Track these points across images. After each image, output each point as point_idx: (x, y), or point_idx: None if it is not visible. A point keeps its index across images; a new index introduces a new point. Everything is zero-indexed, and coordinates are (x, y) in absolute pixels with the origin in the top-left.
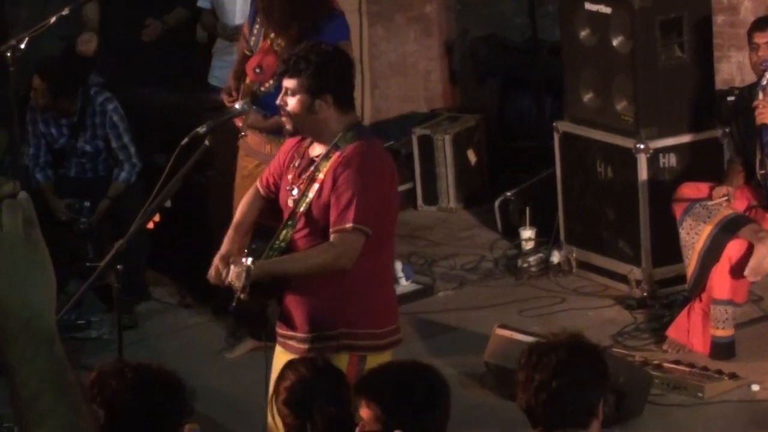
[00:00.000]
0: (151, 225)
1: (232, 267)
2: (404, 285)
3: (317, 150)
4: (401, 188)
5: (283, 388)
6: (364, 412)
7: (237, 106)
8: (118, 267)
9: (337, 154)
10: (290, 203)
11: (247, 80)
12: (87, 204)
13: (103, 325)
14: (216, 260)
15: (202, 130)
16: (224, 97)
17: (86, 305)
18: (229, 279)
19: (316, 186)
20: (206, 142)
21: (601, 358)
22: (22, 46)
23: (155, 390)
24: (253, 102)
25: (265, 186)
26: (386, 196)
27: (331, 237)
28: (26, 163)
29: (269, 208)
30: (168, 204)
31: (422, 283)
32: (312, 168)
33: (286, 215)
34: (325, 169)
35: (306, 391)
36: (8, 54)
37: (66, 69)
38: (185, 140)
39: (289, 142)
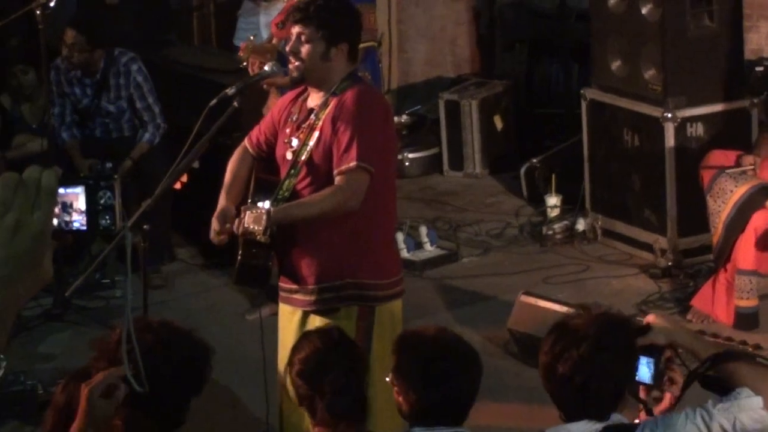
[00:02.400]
0: (178, 185)
1: (247, 213)
2: (429, 250)
3: (314, 101)
4: (427, 153)
5: (298, 359)
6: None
7: (266, 67)
8: (145, 227)
9: (335, 100)
10: (289, 155)
11: (274, 40)
12: (109, 165)
13: (128, 284)
14: (213, 219)
15: (230, 91)
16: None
17: (109, 265)
18: (246, 224)
19: (316, 134)
20: (235, 104)
21: (628, 341)
22: (52, 3)
23: (180, 347)
24: (278, 59)
25: (254, 144)
26: (385, 136)
27: (337, 179)
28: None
29: (260, 166)
30: (196, 165)
31: (447, 249)
32: (311, 117)
33: (284, 169)
34: (323, 116)
35: (320, 364)
36: (38, 11)
37: (101, 20)
38: (214, 101)
39: (283, 100)
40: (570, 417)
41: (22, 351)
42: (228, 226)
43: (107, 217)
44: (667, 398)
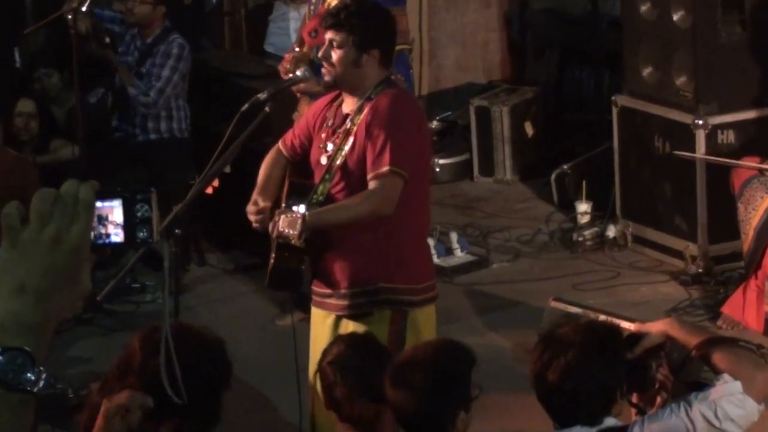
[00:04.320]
0: (210, 190)
1: (282, 217)
2: (459, 256)
3: (349, 106)
4: (458, 159)
5: (330, 354)
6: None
7: (298, 73)
8: (176, 231)
9: (369, 105)
10: (323, 160)
11: (305, 47)
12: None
13: (157, 289)
14: (249, 207)
15: (262, 96)
16: (280, 69)
17: (138, 269)
18: (281, 227)
19: (351, 139)
20: (266, 109)
21: (616, 347)
22: (84, 8)
23: (198, 351)
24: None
25: (289, 147)
26: (419, 141)
27: (370, 184)
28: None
29: (293, 169)
30: (227, 170)
31: (477, 255)
32: (346, 123)
33: (318, 173)
34: (358, 121)
35: (350, 363)
36: (69, 16)
37: None
38: (246, 106)
39: (317, 105)
40: (563, 424)
41: (52, 355)
42: (264, 205)
43: (144, 230)
44: (658, 401)
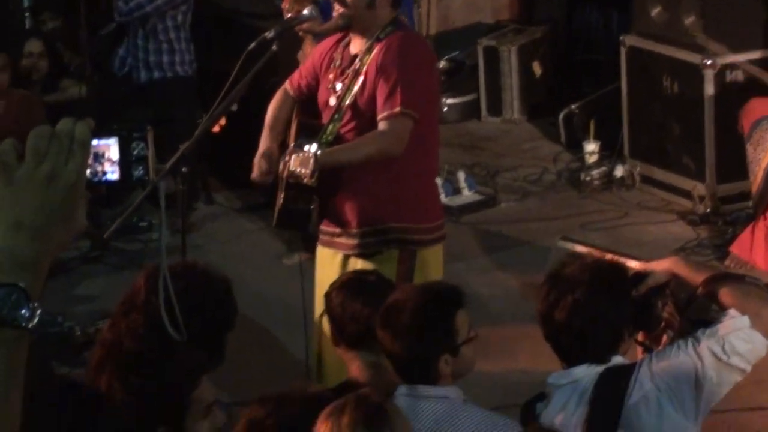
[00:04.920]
0: (216, 128)
1: (293, 156)
2: (467, 195)
3: (357, 47)
4: (466, 99)
5: (340, 283)
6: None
7: (305, 12)
8: (183, 169)
9: (379, 46)
10: (332, 101)
11: None
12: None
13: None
14: (257, 159)
15: (269, 35)
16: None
17: (146, 207)
18: (293, 167)
19: (360, 79)
20: (273, 47)
21: (623, 285)
22: None
23: (200, 286)
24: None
25: (296, 87)
26: (429, 82)
27: (380, 125)
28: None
29: (300, 109)
30: (234, 108)
31: (485, 194)
32: (355, 63)
33: (327, 114)
34: (368, 61)
35: (358, 291)
36: None
37: None
38: (252, 45)
39: (324, 45)
40: (570, 362)
41: (60, 293)
42: (275, 167)
43: (141, 167)
44: (665, 339)
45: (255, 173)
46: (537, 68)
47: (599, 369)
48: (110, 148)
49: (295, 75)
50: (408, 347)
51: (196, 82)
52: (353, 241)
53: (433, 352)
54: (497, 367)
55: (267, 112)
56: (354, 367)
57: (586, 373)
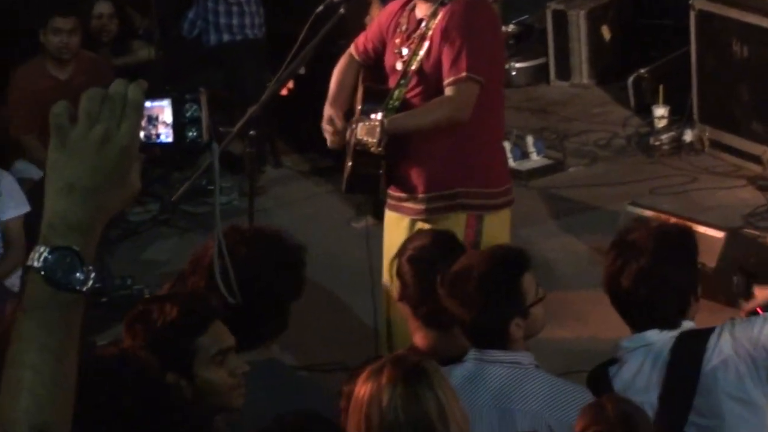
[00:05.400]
0: (284, 91)
1: (360, 125)
2: (535, 160)
3: (422, 11)
4: (534, 63)
5: (412, 247)
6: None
7: None
8: (251, 132)
9: (444, 10)
10: (399, 65)
11: None
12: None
13: (232, 190)
14: (324, 125)
15: None
16: None
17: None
18: (359, 135)
19: (426, 44)
20: (341, 10)
21: (689, 250)
22: None
23: (274, 253)
24: None
25: (361, 51)
26: (495, 46)
27: (446, 90)
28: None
29: (366, 74)
30: (301, 71)
31: (553, 159)
32: (421, 27)
33: (393, 79)
34: (433, 26)
35: (431, 257)
36: None
37: None
38: (320, 8)
39: (390, 9)
40: (638, 328)
41: (130, 256)
42: (341, 126)
43: (194, 129)
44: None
45: (328, 139)
46: (606, 32)
47: (673, 333)
48: (163, 110)
49: (360, 39)
50: (477, 314)
51: (266, 45)
52: (420, 206)
53: (503, 316)
54: (565, 333)
55: (332, 77)
56: (418, 336)
57: (660, 337)
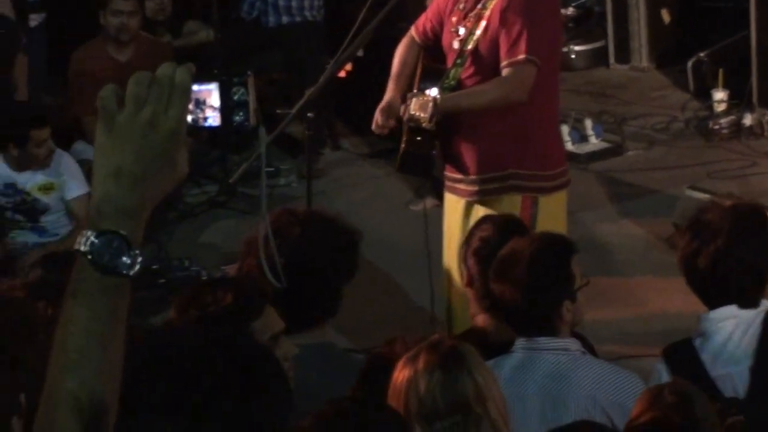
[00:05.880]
0: (342, 74)
1: (414, 100)
2: (594, 143)
3: None
4: (593, 46)
5: (478, 238)
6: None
7: None
8: (309, 115)
9: None
10: (455, 44)
11: None
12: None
13: (291, 173)
14: (378, 111)
15: None
16: None
17: (273, 152)
18: (413, 110)
19: (483, 23)
20: None
21: (763, 229)
22: None
23: (327, 236)
24: None
25: (421, 32)
26: (553, 28)
27: (504, 71)
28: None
29: (426, 54)
30: (360, 53)
31: (612, 142)
32: (478, 6)
33: (450, 58)
34: (491, 6)
35: (495, 249)
36: None
37: None
38: None
39: None
40: (715, 307)
41: (187, 237)
42: (391, 120)
43: (241, 113)
44: None
45: (373, 125)
46: (665, 15)
47: (755, 312)
48: (211, 93)
49: (421, 20)
50: (529, 298)
51: (324, 27)
52: (473, 188)
53: (554, 299)
54: (623, 316)
55: (393, 59)
56: (480, 318)
57: (744, 312)
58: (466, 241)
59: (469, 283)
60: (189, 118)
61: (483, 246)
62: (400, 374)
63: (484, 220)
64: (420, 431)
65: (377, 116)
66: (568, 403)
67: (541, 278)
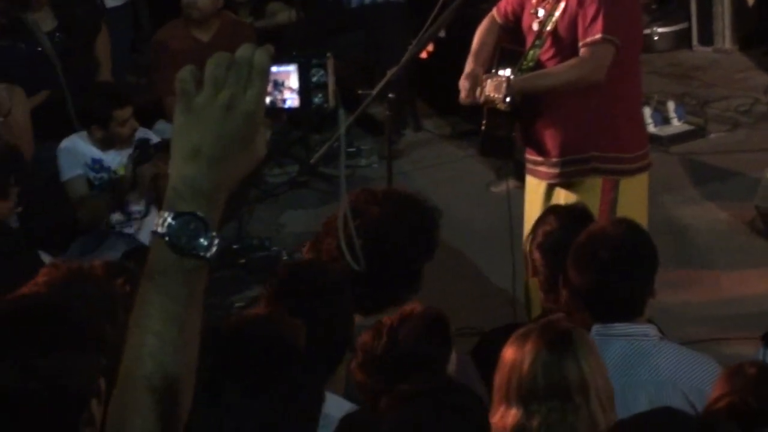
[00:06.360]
0: (424, 54)
1: (488, 81)
2: (676, 125)
3: None
4: (676, 28)
5: (541, 231)
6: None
7: None
8: (390, 95)
9: None
10: (535, 26)
11: None
12: None
13: (372, 153)
14: (461, 80)
15: None
16: None
17: (354, 133)
18: (487, 91)
19: (562, 5)
20: None
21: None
22: None
23: (407, 214)
24: None
25: (502, 14)
26: (632, 9)
27: (581, 51)
28: None
29: (505, 36)
30: (441, 34)
31: (694, 124)
32: None
33: (530, 39)
34: None
35: (561, 243)
36: None
37: None
38: None
39: None
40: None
41: (268, 217)
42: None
43: (320, 95)
44: None
45: (462, 94)
46: None
47: None
48: (289, 75)
49: (502, 2)
50: (615, 283)
51: (407, 7)
52: (554, 170)
53: (642, 282)
54: (703, 300)
55: (474, 39)
56: (546, 299)
57: None
58: (532, 232)
59: (534, 273)
60: (267, 99)
61: (546, 242)
62: (509, 350)
63: (549, 212)
64: (517, 412)
65: (463, 84)
66: (648, 388)
67: (629, 263)
